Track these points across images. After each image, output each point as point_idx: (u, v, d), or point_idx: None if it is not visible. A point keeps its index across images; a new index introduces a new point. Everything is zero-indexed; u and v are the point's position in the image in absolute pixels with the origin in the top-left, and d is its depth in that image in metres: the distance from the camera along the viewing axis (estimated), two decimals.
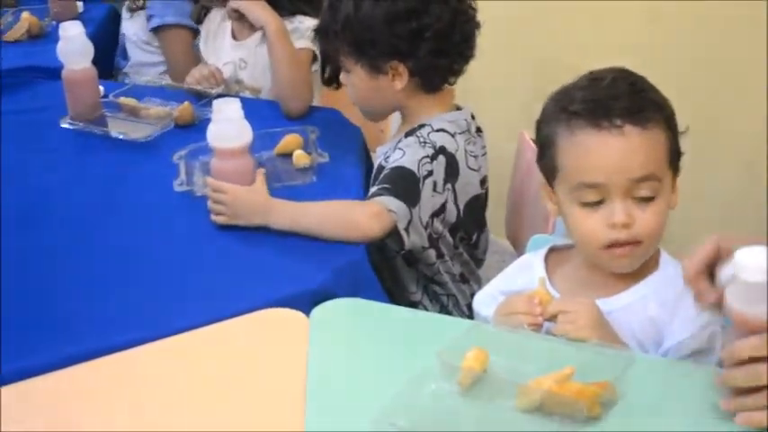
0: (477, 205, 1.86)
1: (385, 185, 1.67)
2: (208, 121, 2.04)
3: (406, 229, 1.66)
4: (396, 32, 1.74)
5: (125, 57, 2.76)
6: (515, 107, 2.39)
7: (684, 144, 2.53)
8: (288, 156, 1.90)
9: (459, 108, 1.87)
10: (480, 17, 1.85)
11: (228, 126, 1.69)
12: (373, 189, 1.68)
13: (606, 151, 1.28)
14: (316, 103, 2.24)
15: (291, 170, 1.86)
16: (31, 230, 1.75)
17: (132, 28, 2.72)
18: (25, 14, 2.73)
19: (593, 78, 1.35)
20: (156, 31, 2.61)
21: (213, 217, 1.69)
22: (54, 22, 2.73)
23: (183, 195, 1.81)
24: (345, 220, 1.64)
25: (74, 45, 2.10)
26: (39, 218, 1.79)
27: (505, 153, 2.11)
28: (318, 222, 1.65)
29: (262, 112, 2.10)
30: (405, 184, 1.68)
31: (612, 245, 1.29)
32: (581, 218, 1.31)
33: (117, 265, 1.62)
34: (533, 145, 1.93)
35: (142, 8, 2.65)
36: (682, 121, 2.53)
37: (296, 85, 2.15)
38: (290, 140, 1.94)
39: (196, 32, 2.56)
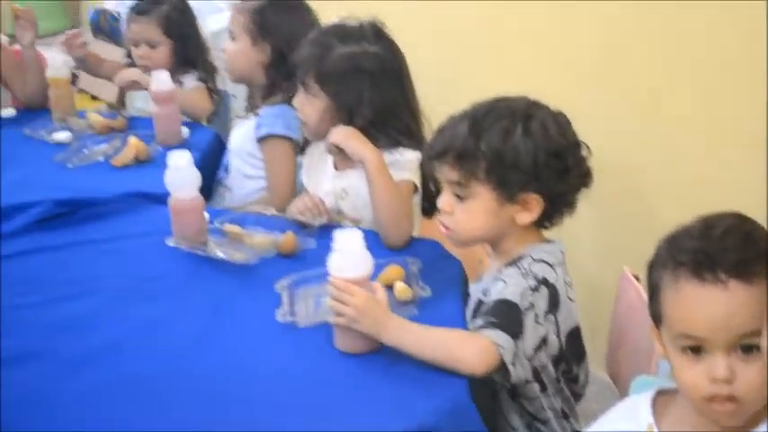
0: (577, 336, 1.89)
1: (490, 319, 1.72)
2: (310, 251, 2.14)
3: (513, 363, 1.70)
4: (543, 168, 1.82)
5: (226, 169, 2.87)
6: None
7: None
8: (389, 287, 1.95)
9: (549, 240, 1.92)
10: None
11: (349, 257, 1.76)
12: (479, 322, 1.73)
13: (709, 307, 1.30)
14: (415, 233, 2.30)
15: (392, 302, 1.89)
16: (130, 357, 1.82)
17: (236, 139, 2.85)
18: (133, 140, 2.85)
19: (707, 227, 1.36)
20: (263, 141, 2.72)
21: (334, 318, 1.76)
22: (160, 148, 2.86)
23: (286, 326, 1.87)
24: (453, 352, 1.68)
25: (181, 175, 2.20)
26: (138, 345, 1.86)
27: None
28: (426, 347, 1.70)
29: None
30: (509, 317, 1.72)
31: (713, 398, 1.30)
32: (683, 366, 1.33)
33: (215, 396, 1.66)
34: (636, 283, 1.97)
35: (255, 113, 2.77)
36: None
37: (396, 217, 2.21)
38: (391, 272, 2.00)
39: (299, 149, 2.66)
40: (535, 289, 1.77)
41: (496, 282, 1.81)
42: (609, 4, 2.58)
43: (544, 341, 1.78)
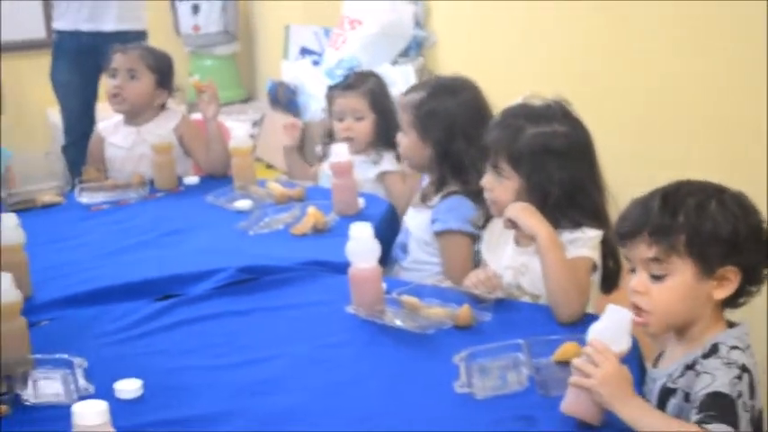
0: (761, 421, 1.89)
1: (709, 413, 1.74)
2: (486, 324, 2.22)
3: None
4: (743, 239, 1.86)
5: (405, 250, 2.98)
6: None
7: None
8: (566, 364, 1.99)
9: (734, 323, 1.94)
10: None
11: (615, 330, 1.84)
12: (695, 417, 1.75)
13: None
14: (592, 310, 2.34)
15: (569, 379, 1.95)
16: (314, 420, 1.92)
17: (413, 226, 2.96)
18: (311, 209, 2.98)
19: None
20: (439, 235, 2.83)
21: (576, 378, 1.82)
22: (338, 218, 2.99)
23: (463, 397, 1.94)
24: None
25: (362, 246, 2.32)
26: (320, 410, 1.96)
27: None
28: None
29: (540, 318, 2.24)
30: (726, 409, 1.75)
31: None
32: None
33: None
34: None
35: (430, 207, 2.88)
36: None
37: (566, 293, 2.27)
38: (567, 349, 2.04)
39: (476, 238, 2.75)
40: (739, 377, 1.79)
41: (701, 376, 1.82)
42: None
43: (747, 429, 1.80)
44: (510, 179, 2.42)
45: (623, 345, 1.83)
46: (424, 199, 2.93)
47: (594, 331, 1.85)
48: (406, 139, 2.98)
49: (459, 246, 2.81)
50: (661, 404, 1.91)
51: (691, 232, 1.85)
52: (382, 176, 3.47)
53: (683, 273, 1.87)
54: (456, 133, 2.84)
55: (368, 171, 3.44)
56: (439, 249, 2.86)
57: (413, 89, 3.09)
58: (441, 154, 2.88)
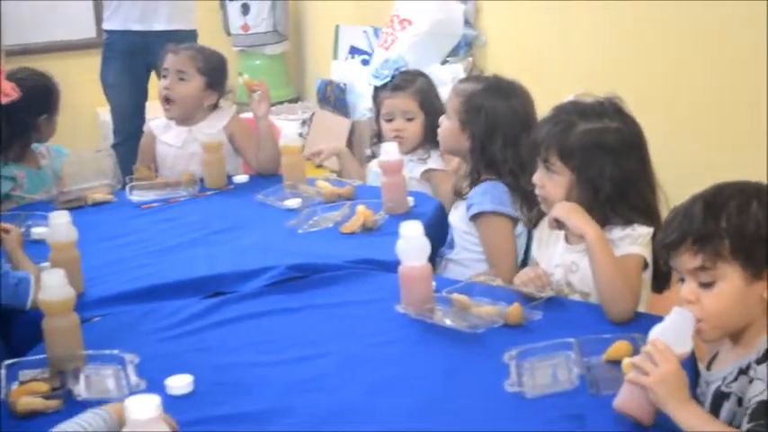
0: None
1: (760, 422, 1.73)
2: (537, 322, 2.22)
3: None
4: None
5: (451, 245, 3.00)
6: None
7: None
8: (617, 363, 1.99)
9: None
10: None
11: (679, 332, 1.84)
12: (748, 425, 1.74)
13: None
14: (643, 309, 2.34)
15: (620, 378, 1.92)
16: (363, 418, 1.93)
17: (454, 219, 2.99)
18: (361, 208, 3.00)
19: None
20: (475, 219, 2.84)
21: (634, 375, 1.82)
22: (386, 216, 3.00)
23: (514, 396, 1.94)
24: None
25: (413, 244, 2.34)
26: (369, 408, 1.97)
27: None
28: None
29: (591, 317, 2.24)
30: None
31: None
32: None
33: None
34: None
35: (463, 198, 2.90)
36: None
37: (616, 292, 2.27)
38: (619, 347, 2.04)
39: (514, 220, 2.77)
40: None
41: (754, 382, 1.81)
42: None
43: None
44: (561, 175, 2.42)
45: (685, 347, 1.83)
46: (458, 192, 2.96)
47: (657, 331, 1.84)
48: (448, 122, 3.02)
49: (497, 227, 2.83)
50: (715, 408, 1.89)
51: (734, 236, 1.83)
52: (428, 174, 3.48)
53: (731, 278, 1.85)
54: (496, 134, 2.88)
55: (415, 170, 3.45)
56: (478, 235, 2.88)
57: (470, 79, 3.16)
58: (478, 148, 2.91)
